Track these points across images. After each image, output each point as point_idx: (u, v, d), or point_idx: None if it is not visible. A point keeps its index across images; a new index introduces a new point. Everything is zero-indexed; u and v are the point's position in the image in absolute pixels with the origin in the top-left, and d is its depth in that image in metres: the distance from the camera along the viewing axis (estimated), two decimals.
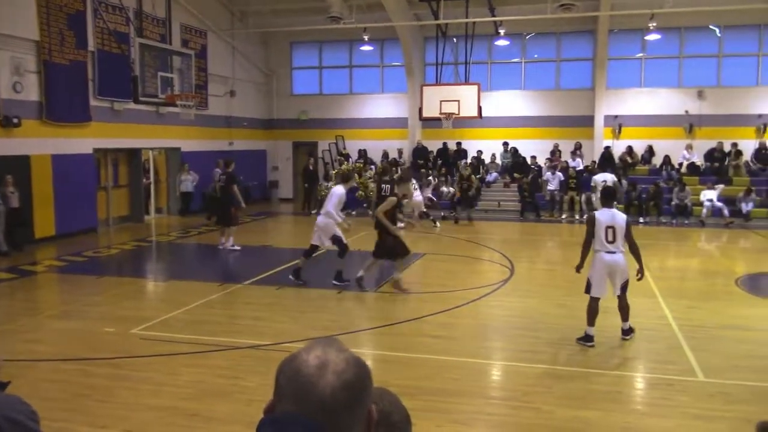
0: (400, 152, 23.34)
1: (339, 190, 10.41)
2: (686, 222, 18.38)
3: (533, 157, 21.62)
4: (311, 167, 21.97)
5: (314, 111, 24.88)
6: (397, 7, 21.04)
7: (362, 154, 23.64)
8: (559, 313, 8.86)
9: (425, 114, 20.19)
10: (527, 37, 22.80)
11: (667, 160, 20.86)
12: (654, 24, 19.27)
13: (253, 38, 24.20)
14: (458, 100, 19.54)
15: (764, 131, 20.65)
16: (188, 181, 19.97)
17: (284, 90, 25.46)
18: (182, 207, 20.09)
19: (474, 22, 20.55)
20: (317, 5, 21.45)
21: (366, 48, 23.13)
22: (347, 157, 23.53)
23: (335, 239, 10.38)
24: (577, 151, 21.59)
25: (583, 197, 19.30)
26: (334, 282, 10.28)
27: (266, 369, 6.18)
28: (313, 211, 20.35)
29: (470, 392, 6.13)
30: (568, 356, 7.02)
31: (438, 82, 20.87)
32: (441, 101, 19.63)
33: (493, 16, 20.54)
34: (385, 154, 23.39)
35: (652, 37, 20.22)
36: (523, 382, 6.34)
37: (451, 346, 7.49)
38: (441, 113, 19.62)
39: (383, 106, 24.33)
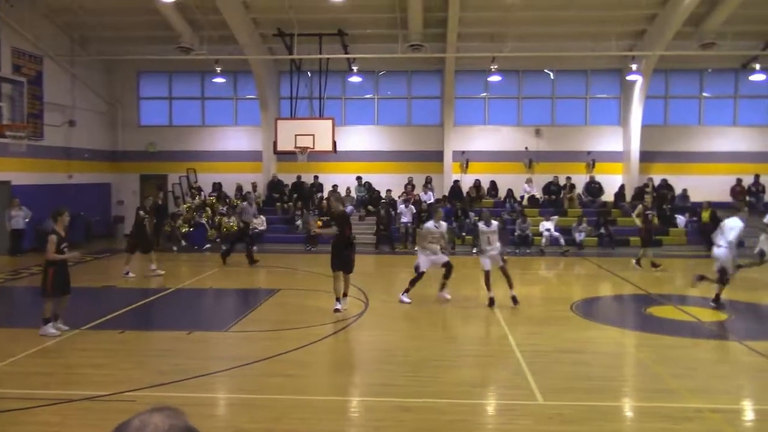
0: (255, 185, 23.01)
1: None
2: (528, 251, 19.61)
3: (388, 191, 22.16)
4: (160, 201, 21.02)
5: (164, 143, 23.94)
6: (250, 41, 20.91)
7: (217, 187, 23.04)
8: (411, 345, 9.02)
9: (280, 148, 20.10)
10: (380, 75, 23.52)
11: (510, 193, 22.25)
12: (495, 66, 20.63)
13: (95, 65, 22.96)
14: (313, 135, 19.66)
15: (593, 167, 22.64)
16: (19, 218, 18.34)
17: (131, 120, 24.31)
18: (12, 246, 18.39)
19: (328, 59, 20.89)
20: (166, 34, 20.83)
21: (218, 80, 22.72)
22: (199, 190, 22.81)
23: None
24: (428, 184, 22.42)
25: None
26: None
27: (101, 422, 5.72)
28: (175, 248, 19.45)
29: None
30: (419, 388, 7.14)
31: (293, 116, 20.91)
32: (296, 135, 19.65)
33: (346, 53, 21.02)
34: (239, 188, 22.96)
35: (494, 78, 21.60)
36: (375, 417, 6.35)
37: (304, 385, 7.37)
38: (296, 147, 19.63)
39: (237, 138, 23.94)
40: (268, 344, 9.07)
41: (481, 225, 11.94)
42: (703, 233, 20.25)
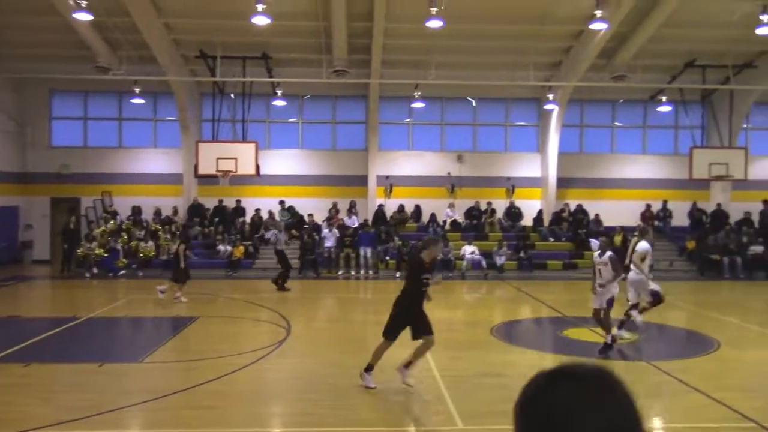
0: (175, 210, 22.42)
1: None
2: (450, 275, 19.87)
3: (310, 215, 22.04)
4: (72, 225, 20.16)
5: (77, 165, 22.99)
6: (171, 62, 20.49)
7: (135, 211, 22.29)
8: (333, 372, 8.93)
9: (201, 171, 19.69)
10: (304, 99, 23.50)
11: (433, 217, 22.57)
12: (419, 93, 21.02)
13: (4, 84, 21.91)
14: (236, 158, 19.37)
15: (512, 192, 23.29)
16: None
17: (41, 141, 23.26)
18: None
19: (251, 82, 20.72)
20: (82, 53, 20.16)
21: (137, 101, 22.10)
22: (114, 214, 22.00)
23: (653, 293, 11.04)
24: (352, 209, 22.46)
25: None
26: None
27: None
28: (87, 274, 18.61)
29: None
30: (341, 417, 7.06)
31: (215, 139, 20.55)
32: (218, 158, 19.30)
33: (270, 76, 20.91)
34: (158, 212, 22.30)
35: (417, 105, 21.99)
36: None
37: (221, 417, 7.14)
38: (218, 170, 19.28)
39: (156, 161, 23.29)
40: (184, 375, 8.77)
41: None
42: (617, 256, 21.14)
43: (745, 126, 23.42)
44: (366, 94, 22.73)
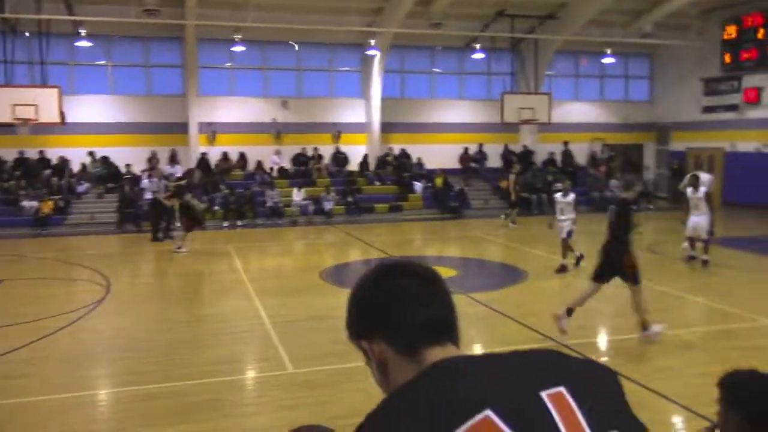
0: None
1: None
2: (280, 222, 19.80)
3: (127, 166, 20.66)
4: None
5: None
6: None
7: None
8: (157, 329, 8.60)
9: None
10: (114, 40, 21.62)
11: (259, 165, 22.14)
12: (239, 36, 20.21)
13: None
14: (36, 104, 17.52)
15: (338, 137, 23.45)
16: None
17: None
18: None
19: (49, 20, 18.66)
20: None
21: None
22: None
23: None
24: (174, 158, 21.38)
25: None
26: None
27: None
28: None
29: None
30: (167, 372, 6.83)
31: (9, 84, 18.36)
32: (14, 105, 17.34)
33: (71, 14, 18.98)
34: None
35: (238, 48, 21.15)
36: (118, 409, 5.97)
37: (39, 384, 6.62)
38: (15, 118, 17.35)
39: None
40: None
41: None
42: (438, 198, 22.27)
43: (549, 73, 25.34)
44: (182, 35, 21.43)
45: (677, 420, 5.52)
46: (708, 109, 23.94)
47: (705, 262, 12.09)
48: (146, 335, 8.28)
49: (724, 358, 6.85)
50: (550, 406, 1.12)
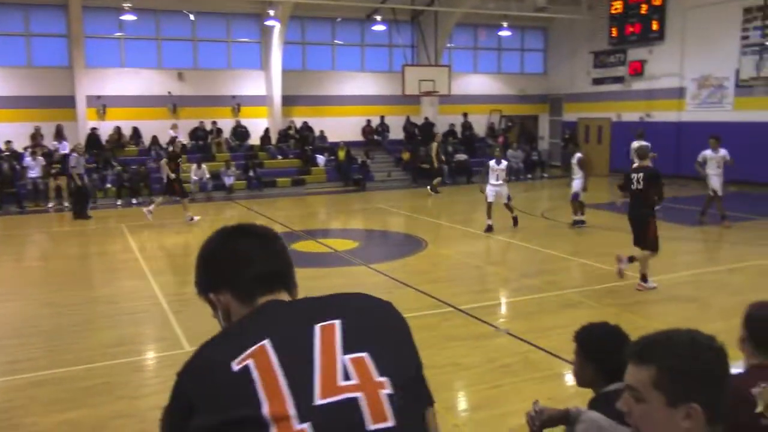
0: None
1: None
2: (177, 199, 19.13)
3: (8, 142, 19.30)
4: None
5: None
6: None
7: None
8: (45, 313, 8.17)
9: None
10: None
11: (155, 140, 21.29)
12: (129, 5, 19.21)
13: None
14: None
15: (238, 111, 22.88)
16: None
17: None
18: None
19: None
20: None
21: None
22: None
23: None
24: (60, 133, 20.19)
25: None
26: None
27: None
28: None
29: None
30: (54, 358, 6.53)
31: None
32: None
33: None
34: None
35: (129, 17, 20.10)
36: (3, 399, 5.64)
37: None
38: None
39: None
40: None
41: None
42: (340, 170, 22.25)
43: (448, 46, 25.67)
44: (66, 2, 20.09)
45: (566, 374, 5.82)
46: (597, 81, 25.07)
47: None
48: (32, 320, 7.85)
49: (606, 314, 7.29)
50: (317, 334, 1.41)
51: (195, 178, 19.63)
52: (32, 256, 12.93)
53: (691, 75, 21.47)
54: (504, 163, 13.51)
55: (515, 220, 13.40)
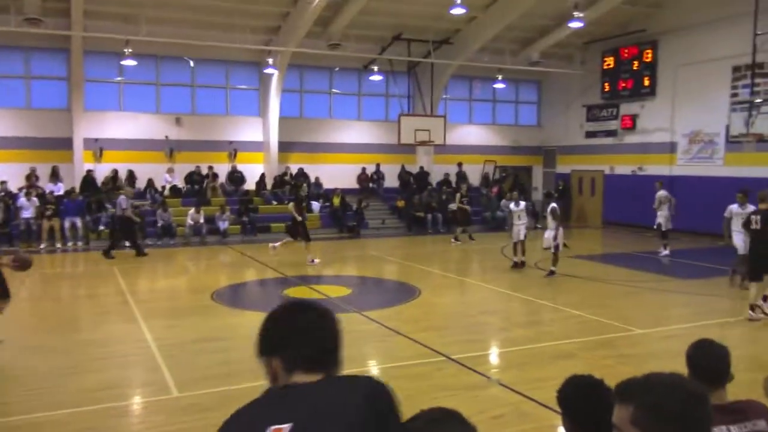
0: None
1: None
2: (172, 242, 19.13)
3: (3, 182, 19.30)
4: None
5: None
6: None
7: None
8: (31, 355, 8.03)
9: None
10: None
11: (150, 183, 21.35)
12: (130, 50, 19.51)
13: None
14: None
15: (234, 156, 23.03)
16: None
17: None
18: None
19: None
20: None
21: None
22: None
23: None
24: (55, 174, 20.23)
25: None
26: None
27: None
28: None
29: None
30: (37, 402, 6.38)
31: None
32: None
33: None
34: None
35: (129, 62, 20.39)
36: None
37: None
38: None
39: None
40: None
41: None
42: (335, 217, 22.28)
43: (444, 96, 26.09)
44: (67, 47, 20.39)
45: (558, 425, 5.73)
46: (590, 134, 25.42)
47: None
48: (16, 363, 7.71)
49: (599, 365, 7.22)
50: None
51: (190, 222, 19.60)
52: (20, 298, 12.76)
53: (682, 130, 21.82)
54: (522, 204, 14.84)
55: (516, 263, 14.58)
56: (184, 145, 22.35)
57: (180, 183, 21.95)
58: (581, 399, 2.50)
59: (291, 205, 16.82)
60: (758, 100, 17.03)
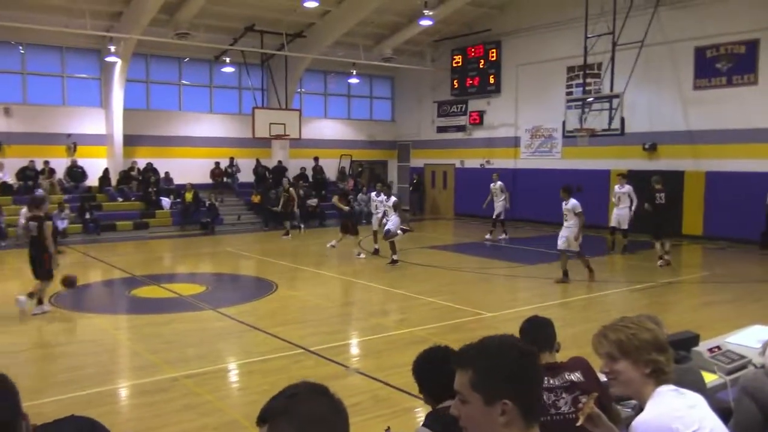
0: None
1: None
2: (3, 244, 17.47)
3: None
4: None
5: None
6: None
7: None
8: None
9: None
10: None
11: None
12: None
13: None
14: None
15: (74, 150, 21.42)
16: None
17: None
18: None
19: None
20: None
21: None
22: None
23: None
24: None
25: None
26: None
27: None
28: None
29: None
30: None
31: None
32: None
33: None
34: None
35: None
36: None
37: None
38: None
39: None
40: None
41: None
42: (187, 213, 21.42)
43: (299, 90, 25.90)
44: None
45: (415, 408, 5.86)
46: (441, 129, 26.40)
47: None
48: None
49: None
50: None
51: (22, 221, 17.94)
52: None
53: (525, 125, 23.26)
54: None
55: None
56: (14, 138, 20.44)
57: (11, 179, 20.07)
58: (433, 370, 2.74)
59: (335, 198, 16.76)
60: (589, 99, 18.49)
